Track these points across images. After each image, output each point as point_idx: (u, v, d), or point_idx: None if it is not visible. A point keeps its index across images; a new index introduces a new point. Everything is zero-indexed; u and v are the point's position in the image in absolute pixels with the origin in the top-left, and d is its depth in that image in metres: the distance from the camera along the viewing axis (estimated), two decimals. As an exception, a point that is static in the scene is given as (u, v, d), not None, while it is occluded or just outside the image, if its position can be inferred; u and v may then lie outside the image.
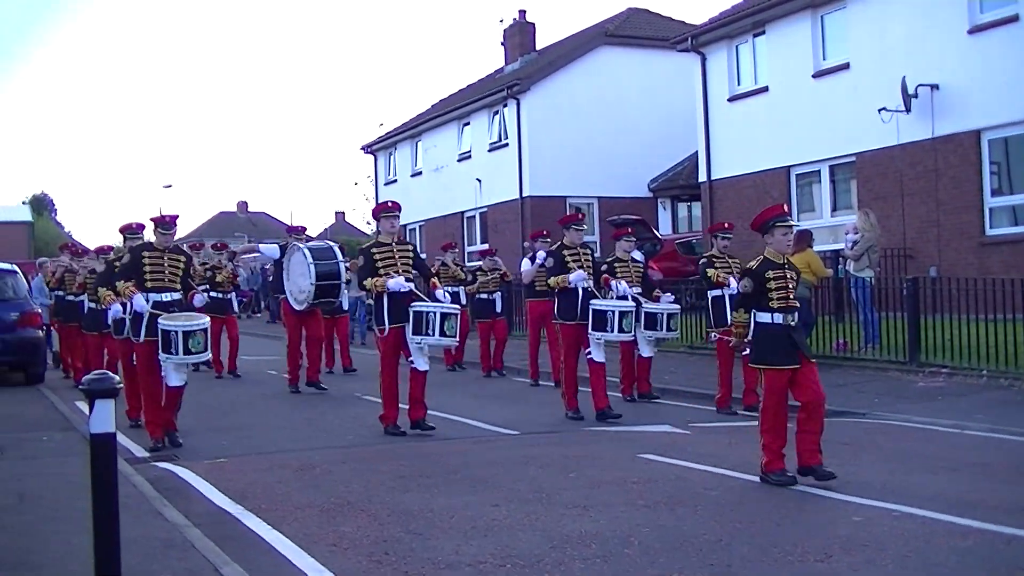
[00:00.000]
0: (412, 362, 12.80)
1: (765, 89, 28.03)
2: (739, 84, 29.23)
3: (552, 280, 14.39)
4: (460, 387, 18.97)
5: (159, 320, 11.90)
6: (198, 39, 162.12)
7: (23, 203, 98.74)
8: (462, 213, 41.39)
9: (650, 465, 10.63)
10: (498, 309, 21.62)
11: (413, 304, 12.68)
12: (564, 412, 14.35)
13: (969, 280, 17.30)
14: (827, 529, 7.97)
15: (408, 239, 44.54)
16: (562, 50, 40.64)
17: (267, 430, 13.99)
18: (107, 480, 5.38)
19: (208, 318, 12.33)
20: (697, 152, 32.14)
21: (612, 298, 14.52)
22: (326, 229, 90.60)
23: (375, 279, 12.89)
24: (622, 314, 14.02)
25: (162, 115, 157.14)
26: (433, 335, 12.53)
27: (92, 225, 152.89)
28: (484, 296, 21.61)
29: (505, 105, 38.76)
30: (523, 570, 6.86)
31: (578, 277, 14.05)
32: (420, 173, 45.26)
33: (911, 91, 22.97)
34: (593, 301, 14.04)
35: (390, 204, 13.62)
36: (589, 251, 14.59)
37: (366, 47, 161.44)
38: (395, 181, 47.38)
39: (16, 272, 21.63)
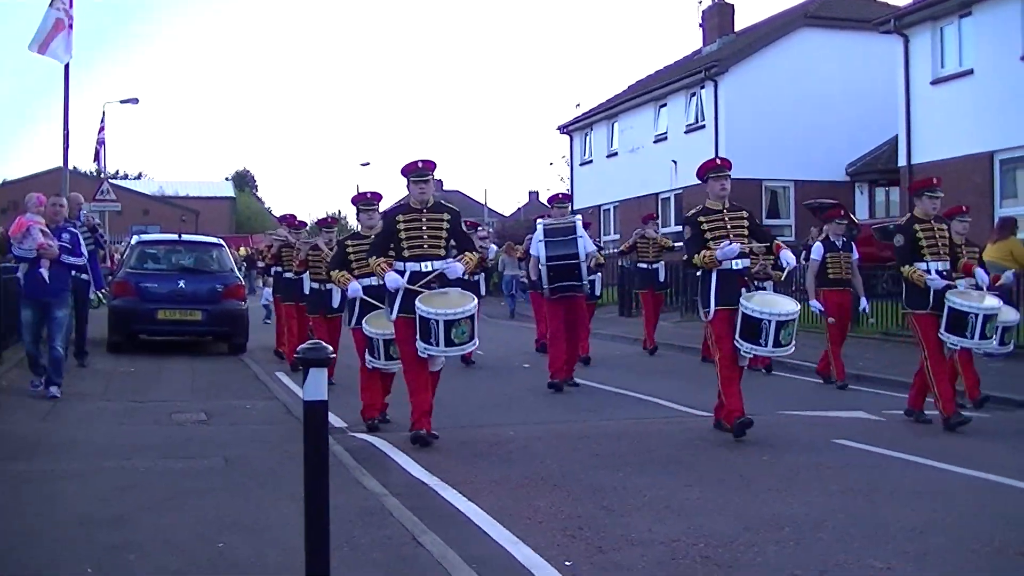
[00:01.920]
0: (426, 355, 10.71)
1: (970, 72, 27.36)
2: (943, 67, 28.55)
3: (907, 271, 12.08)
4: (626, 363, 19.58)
5: (417, 302, 10.40)
6: (403, 17, 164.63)
7: (226, 179, 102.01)
8: (657, 195, 41.39)
9: (845, 451, 10.60)
10: (661, 279, 21.51)
11: (418, 302, 10.42)
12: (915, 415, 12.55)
13: None
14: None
15: (603, 219, 45.14)
16: (761, 32, 40.34)
17: (465, 405, 14.04)
18: (318, 447, 5.68)
19: (475, 300, 10.77)
20: (895, 136, 31.56)
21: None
22: (519, 208, 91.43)
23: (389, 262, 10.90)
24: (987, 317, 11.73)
25: (362, 93, 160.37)
26: (437, 345, 10.34)
27: (290, 201, 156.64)
28: (644, 266, 21.25)
29: (703, 87, 38.60)
30: (716, 550, 6.95)
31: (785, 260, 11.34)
32: (616, 154, 45.36)
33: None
34: (951, 295, 11.80)
35: (420, 164, 10.95)
36: (945, 227, 12.36)
37: (564, 28, 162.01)
38: (591, 162, 47.59)
39: (222, 245, 22.52)
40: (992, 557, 6.90)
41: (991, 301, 11.90)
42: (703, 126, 38.43)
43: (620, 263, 30.44)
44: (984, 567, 6.75)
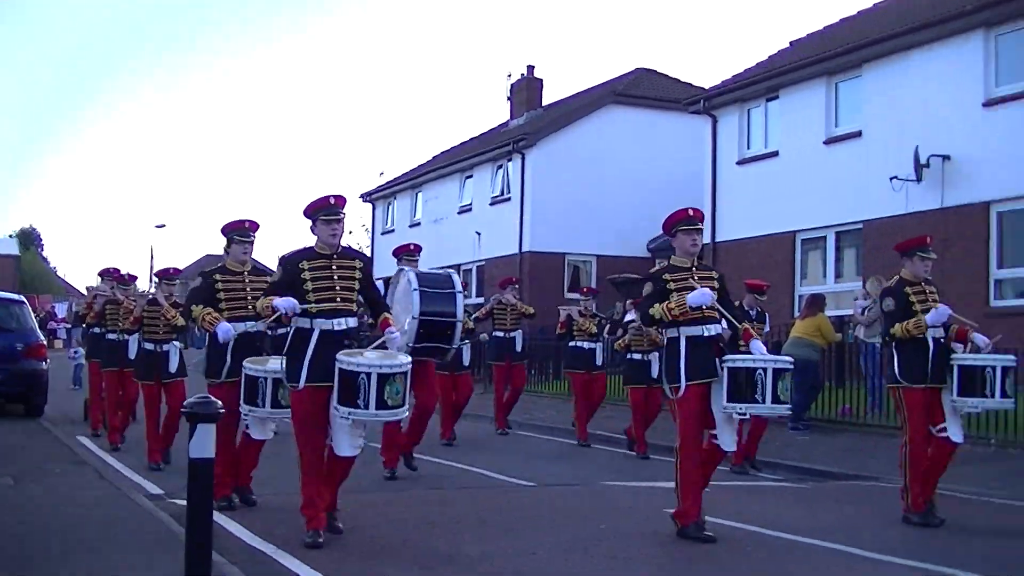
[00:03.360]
0: (331, 441, 8.87)
1: (775, 154, 28.09)
2: (749, 147, 29.31)
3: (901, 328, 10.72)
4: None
5: (340, 355, 8.62)
6: (202, 75, 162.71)
7: (10, 236, 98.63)
8: (459, 265, 41.36)
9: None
10: (519, 348, 19.62)
11: (339, 357, 8.62)
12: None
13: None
14: None
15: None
16: (569, 107, 40.86)
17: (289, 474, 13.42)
18: (203, 507, 5.33)
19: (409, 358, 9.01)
20: (701, 214, 32.13)
21: None
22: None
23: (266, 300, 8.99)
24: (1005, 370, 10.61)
25: (156, 154, 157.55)
26: (366, 407, 8.44)
27: (79, 263, 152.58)
28: (500, 334, 19.53)
29: (509, 159, 38.87)
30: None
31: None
32: (419, 224, 45.25)
33: (923, 161, 23.01)
34: (957, 356, 10.69)
35: (332, 200, 9.19)
36: (935, 290, 11.11)
37: (369, 95, 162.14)
38: (392, 231, 47.39)
39: (23, 303, 21.64)
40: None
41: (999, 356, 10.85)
42: (509, 198, 38.63)
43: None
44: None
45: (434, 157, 48.75)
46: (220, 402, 6.83)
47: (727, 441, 9.45)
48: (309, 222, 9.14)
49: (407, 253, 14.08)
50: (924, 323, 10.39)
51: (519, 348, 19.64)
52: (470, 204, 41.56)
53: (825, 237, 26.62)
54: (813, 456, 15.59)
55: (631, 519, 10.55)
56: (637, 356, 16.65)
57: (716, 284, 9.64)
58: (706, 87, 32.71)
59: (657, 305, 9.36)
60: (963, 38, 23.06)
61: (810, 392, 18.76)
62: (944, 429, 10.50)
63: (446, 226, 42.39)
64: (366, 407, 8.43)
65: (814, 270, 27.27)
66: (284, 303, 8.71)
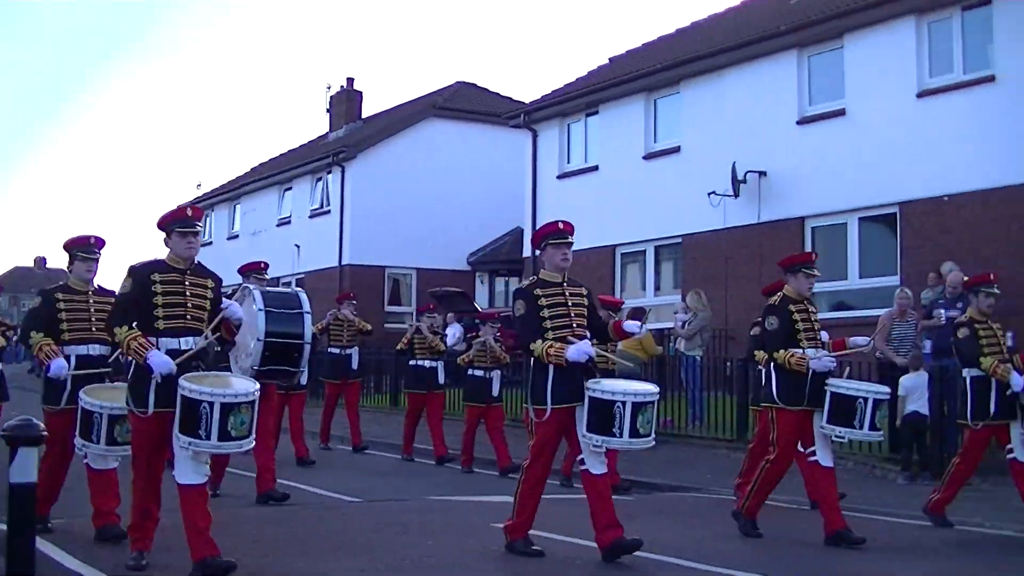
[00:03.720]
0: (173, 469, 8.10)
1: (595, 168, 28.42)
2: (569, 162, 29.59)
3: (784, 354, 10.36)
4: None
5: (182, 381, 7.95)
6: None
7: None
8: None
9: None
10: (355, 365, 19.06)
11: (181, 382, 7.93)
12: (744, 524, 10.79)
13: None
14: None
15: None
16: (389, 120, 40.78)
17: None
18: (24, 533, 5.06)
19: (257, 384, 8.41)
20: (517, 227, 32.52)
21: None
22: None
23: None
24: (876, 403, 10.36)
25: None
26: (208, 437, 7.80)
27: None
28: (336, 351, 18.89)
29: (329, 172, 38.63)
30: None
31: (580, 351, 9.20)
32: (237, 236, 44.69)
33: (740, 177, 23.53)
34: (833, 382, 10.35)
35: (189, 212, 8.69)
36: (815, 309, 11.00)
37: (187, 106, 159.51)
38: (210, 243, 46.47)
39: None
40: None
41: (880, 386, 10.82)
42: (328, 211, 38.40)
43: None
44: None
45: (252, 169, 48.10)
46: (43, 426, 6.58)
47: (595, 465, 9.07)
48: (163, 234, 8.54)
49: (256, 271, 13.44)
50: (806, 364, 10.03)
51: (355, 365, 19.09)
52: (289, 217, 41.16)
53: (645, 251, 27.00)
54: (636, 468, 15.67)
55: (458, 534, 10.48)
56: (479, 373, 16.52)
57: (585, 300, 9.44)
58: (526, 101, 32.92)
59: (540, 344, 9.01)
60: (777, 58, 23.73)
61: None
62: (814, 453, 10.30)
63: (265, 239, 41.83)
64: (208, 438, 7.79)
65: (634, 283, 27.63)
66: (162, 366, 7.99)
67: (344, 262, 37.02)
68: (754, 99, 24.03)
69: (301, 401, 16.93)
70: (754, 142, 23.78)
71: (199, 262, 8.65)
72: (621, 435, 8.87)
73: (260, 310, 11.32)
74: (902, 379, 15.24)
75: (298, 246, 39.29)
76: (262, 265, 13.25)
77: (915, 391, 15.16)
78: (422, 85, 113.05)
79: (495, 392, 16.55)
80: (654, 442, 9.20)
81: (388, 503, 12.85)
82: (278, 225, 41.52)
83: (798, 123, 23.20)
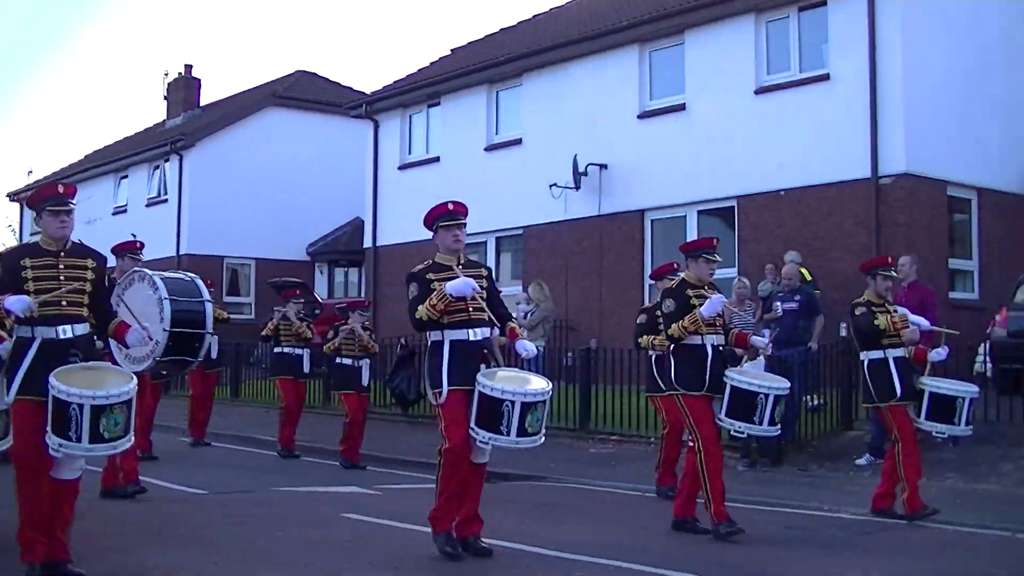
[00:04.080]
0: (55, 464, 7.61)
1: (436, 159, 28.40)
2: (411, 153, 29.52)
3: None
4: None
5: (52, 378, 7.38)
6: None
7: None
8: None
9: (358, 524, 10.47)
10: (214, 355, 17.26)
11: (51, 379, 7.38)
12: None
13: (631, 352, 17.43)
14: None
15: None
16: (228, 108, 40.21)
17: None
18: None
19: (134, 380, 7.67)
20: (357, 217, 32.39)
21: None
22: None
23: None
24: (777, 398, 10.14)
25: None
26: (79, 440, 7.28)
27: None
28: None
29: (167, 160, 37.93)
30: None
31: None
32: (71, 225, 43.45)
33: (581, 169, 23.74)
34: (733, 375, 10.11)
35: (61, 189, 7.93)
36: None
37: (17, 89, 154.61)
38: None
39: None
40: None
41: (780, 380, 10.47)
42: (166, 200, 37.76)
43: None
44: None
45: (86, 156, 47.05)
46: None
47: (477, 455, 8.76)
48: (34, 214, 7.99)
49: (131, 251, 12.24)
50: (700, 317, 9.77)
51: (214, 355, 17.44)
52: (125, 205, 40.36)
53: (486, 242, 27.04)
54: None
55: (308, 525, 10.38)
56: (347, 361, 16.16)
57: (484, 282, 8.98)
58: (368, 92, 32.76)
59: (421, 307, 8.64)
60: (619, 52, 24.02)
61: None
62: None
63: (100, 227, 40.69)
64: (78, 440, 7.24)
65: (473, 274, 27.59)
66: (17, 303, 7.41)
67: (182, 252, 36.37)
68: (596, 92, 24.26)
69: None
70: (595, 135, 24.01)
71: (78, 241, 8.13)
72: (508, 433, 8.47)
73: (166, 299, 10.44)
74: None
75: (135, 235, 38.26)
76: (137, 244, 12.36)
77: None
78: (262, 73, 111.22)
79: (364, 381, 16.23)
80: (543, 439, 8.76)
81: (236, 495, 12.64)
82: (114, 214, 40.55)
83: (639, 117, 23.50)
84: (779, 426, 10.41)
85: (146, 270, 10.96)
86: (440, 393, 8.71)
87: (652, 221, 23.47)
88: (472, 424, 8.55)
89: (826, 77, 20.68)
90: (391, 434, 18.69)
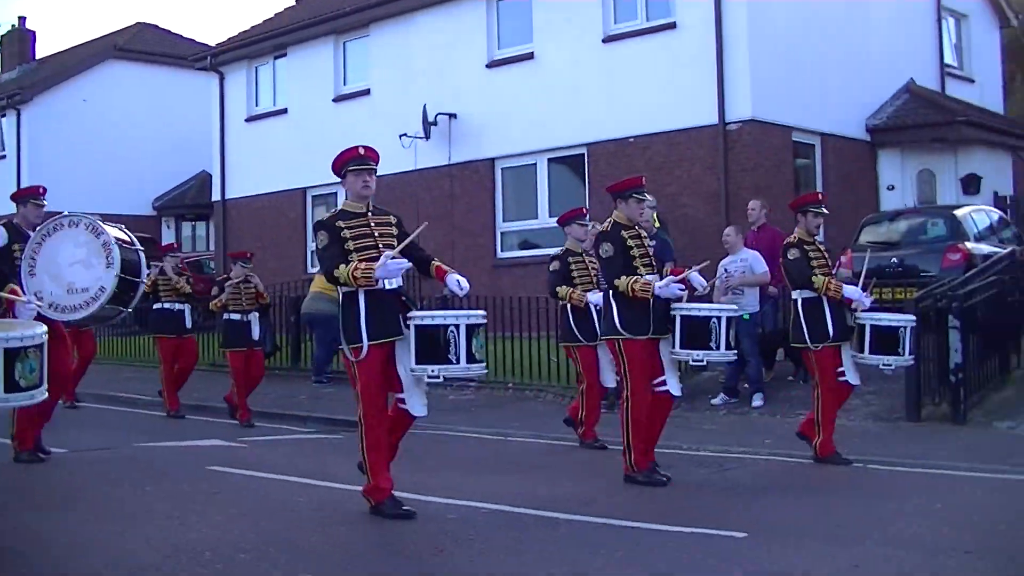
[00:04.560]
0: None
1: (284, 111, 28.15)
2: (257, 105, 29.16)
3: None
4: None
5: None
6: None
7: None
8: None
9: (226, 477, 10.36)
10: None
11: None
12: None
13: (487, 299, 17.35)
14: (431, 527, 8.04)
15: None
16: (67, 61, 39.26)
17: None
18: None
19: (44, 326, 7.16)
20: (204, 171, 32.04)
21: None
22: None
23: None
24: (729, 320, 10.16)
25: None
26: None
27: None
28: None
29: (3, 115, 36.91)
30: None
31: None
32: (-90, 182, 42.13)
33: (431, 119, 23.73)
34: (680, 306, 9.85)
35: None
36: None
37: None
38: None
39: None
40: (416, 558, 7.30)
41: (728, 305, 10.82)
42: (4, 156, 36.78)
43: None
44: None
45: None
46: None
47: (416, 405, 8.27)
48: None
49: (34, 196, 11.29)
50: (651, 289, 9.52)
51: (188, 325, 16.83)
52: (-37, 162, 39.11)
53: (336, 193, 26.77)
54: (341, 408, 15.40)
55: (176, 480, 10.20)
56: (236, 316, 15.41)
57: (395, 229, 8.45)
58: (212, 44, 32.25)
59: (343, 268, 8.04)
60: (467, 2, 24.04)
61: (331, 345, 18.94)
62: (664, 383, 9.79)
63: (-66, 185, 39.72)
64: None
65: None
66: None
67: (23, 209, 35.38)
68: (444, 42, 24.24)
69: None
70: (444, 85, 24.02)
71: None
72: (458, 361, 8.09)
73: (114, 243, 9.92)
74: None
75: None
76: (40, 190, 11.43)
77: None
78: (99, 26, 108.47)
79: (255, 336, 15.50)
80: (486, 368, 8.71)
81: (99, 452, 12.20)
82: (-52, 170, 39.36)
83: (487, 66, 23.59)
84: (736, 350, 10.38)
85: (81, 213, 10.40)
86: (360, 349, 8.09)
87: (503, 169, 23.63)
88: (412, 364, 8.10)
89: (672, 26, 20.99)
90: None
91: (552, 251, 13.26)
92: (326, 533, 7.90)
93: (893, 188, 23.34)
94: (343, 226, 8.26)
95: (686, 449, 11.76)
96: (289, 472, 10.35)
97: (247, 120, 29.12)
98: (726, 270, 14.65)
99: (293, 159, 27.07)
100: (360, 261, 8.05)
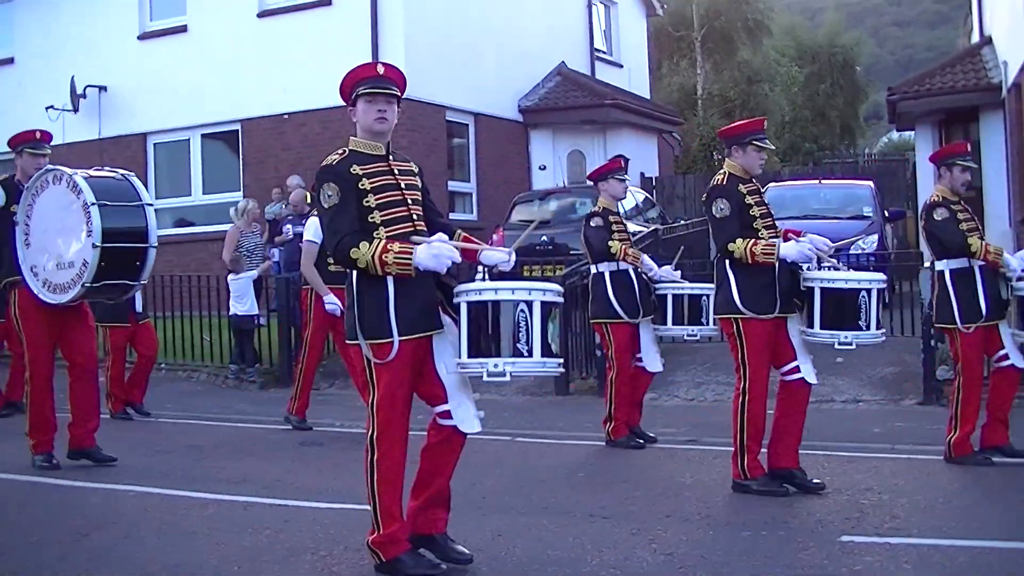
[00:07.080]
0: None
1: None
2: None
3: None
4: None
5: None
6: None
7: None
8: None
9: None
10: None
11: None
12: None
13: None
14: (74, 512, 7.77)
15: None
16: None
17: None
18: None
19: None
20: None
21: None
22: None
23: None
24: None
25: None
26: None
27: None
28: None
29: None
30: None
31: None
32: None
33: (80, 91, 22.94)
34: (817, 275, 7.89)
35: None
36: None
37: None
38: None
39: None
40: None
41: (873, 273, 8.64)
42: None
43: None
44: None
45: None
46: None
47: (466, 417, 5.93)
48: None
49: (31, 143, 9.34)
50: (776, 251, 7.75)
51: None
52: None
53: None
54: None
55: None
56: None
57: (418, 181, 6.19)
58: None
59: (365, 249, 5.69)
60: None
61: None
62: (796, 369, 7.96)
63: None
64: None
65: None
66: None
67: None
68: (93, 12, 23.40)
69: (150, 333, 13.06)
70: (94, 56, 23.23)
71: None
72: (531, 354, 5.64)
73: (93, 204, 8.27)
74: (232, 280, 15.17)
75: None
76: (37, 135, 9.43)
77: (243, 293, 15.20)
78: None
79: (139, 307, 12.80)
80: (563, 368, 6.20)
81: None
82: None
83: (139, 38, 23.00)
84: (884, 330, 8.17)
85: (62, 168, 8.68)
86: (388, 347, 5.83)
87: (155, 145, 23.11)
88: (463, 357, 5.72)
89: (328, 2, 21.03)
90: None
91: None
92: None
93: (544, 168, 24.04)
94: (360, 173, 5.94)
95: (339, 427, 11.73)
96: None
97: None
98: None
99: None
100: (389, 240, 5.78)
